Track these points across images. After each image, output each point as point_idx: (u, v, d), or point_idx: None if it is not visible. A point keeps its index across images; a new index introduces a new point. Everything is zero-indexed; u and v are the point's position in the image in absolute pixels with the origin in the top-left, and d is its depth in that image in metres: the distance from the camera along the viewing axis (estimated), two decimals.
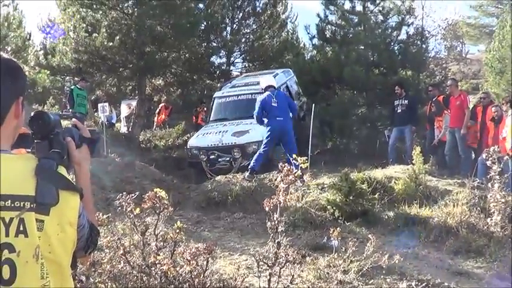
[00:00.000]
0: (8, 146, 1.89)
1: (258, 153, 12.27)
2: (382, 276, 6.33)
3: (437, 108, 14.08)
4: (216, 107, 16.63)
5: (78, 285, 4.42)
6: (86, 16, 20.60)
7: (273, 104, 12.34)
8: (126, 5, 20.57)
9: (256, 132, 13.73)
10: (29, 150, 2.00)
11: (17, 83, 1.93)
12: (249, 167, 11.96)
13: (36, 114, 2.01)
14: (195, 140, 15.15)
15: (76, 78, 19.17)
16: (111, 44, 19.63)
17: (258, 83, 15.99)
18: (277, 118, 12.27)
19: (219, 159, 13.92)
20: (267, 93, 12.58)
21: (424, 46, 20.48)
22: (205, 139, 14.64)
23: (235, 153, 13.75)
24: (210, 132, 15.08)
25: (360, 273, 6.34)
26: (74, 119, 2.25)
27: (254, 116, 12.59)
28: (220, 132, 14.65)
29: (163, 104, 23.88)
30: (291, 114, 12.80)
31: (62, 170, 1.89)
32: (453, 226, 8.07)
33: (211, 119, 16.52)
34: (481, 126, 13.13)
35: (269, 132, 12.23)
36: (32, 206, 1.74)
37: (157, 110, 23.84)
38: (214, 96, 17.30)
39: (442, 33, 46.14)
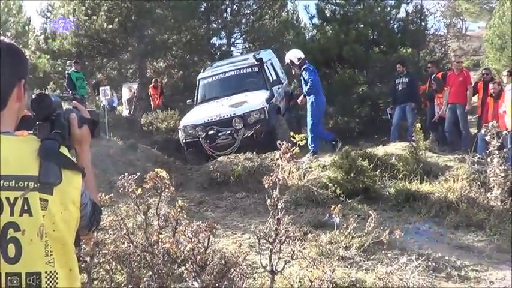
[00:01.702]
0: (11, 128, 1.94)
1: (318, 131, 11.92)
2: (383, 252, 6.38)
3: (437, 85, 14.06)
4: (203, 87, 15.74)
5: (82, 266, 4.49)
6: None
7: (319, 80, 12.00)
8: None
9: (254, 101, 13.34)
10: (31, 132, 2.04)
11: (19, 65, 1.98)
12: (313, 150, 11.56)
13: (38, 97, 2.06)
14: (190, 118, 14.06)
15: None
16: (110, 26, 19.67)
17: (244, 60, 15.83)
18: (322, 95, 12.02)
19: (219, 134, 12.94)
20: (307, 66, 11.93)
21: (423, 24, 20.36)
22: (201, 115, 13.72)
23: (236, 125, 12.83)
24: (204, 109, 14.27)
25: (361, 249, 6.44)
26: (73, 101, 2.29)
27: (310, 81, 11.66)
28: (216, 107, 13.89)
29: (151, 85, 22.79)
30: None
31: (64, 150, 1.93)
32: (453, 201, 8.10)
33: (198, 101, 15.52)
34: (482, 102, 13.17)
35: (319, 108, 11.82)
36: (35, 185, 1.79)
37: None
38: (198, 78, 16.30)
39: (442, 10, 45.92)
